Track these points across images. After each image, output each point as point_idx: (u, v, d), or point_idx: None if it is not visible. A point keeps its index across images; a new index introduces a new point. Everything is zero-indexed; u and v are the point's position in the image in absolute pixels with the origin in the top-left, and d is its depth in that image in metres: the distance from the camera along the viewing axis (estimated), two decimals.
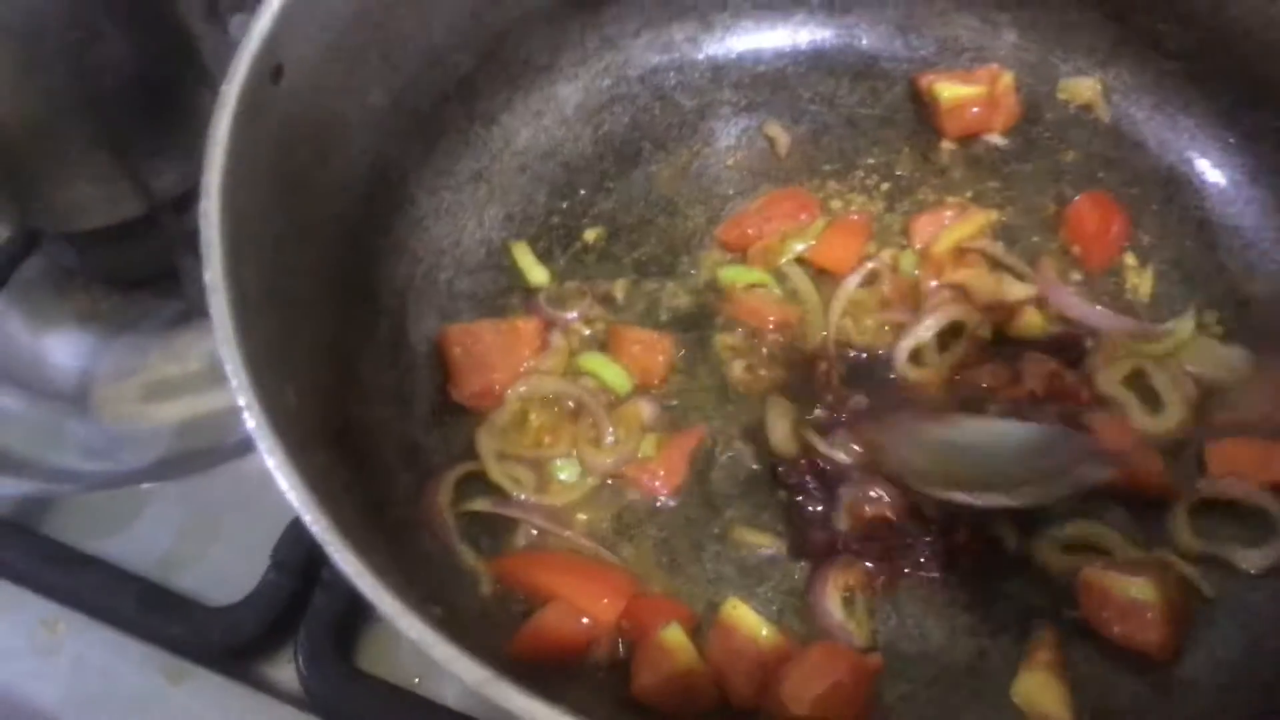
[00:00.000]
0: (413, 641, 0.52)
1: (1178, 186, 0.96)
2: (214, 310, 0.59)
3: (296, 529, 0.85)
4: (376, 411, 0.82)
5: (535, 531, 0.82)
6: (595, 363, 0.89)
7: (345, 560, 0.53)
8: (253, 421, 0.56)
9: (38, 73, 0.85)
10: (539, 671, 0.72)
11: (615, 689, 0.75)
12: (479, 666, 0.50)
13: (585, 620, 0.76)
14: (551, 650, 0.75)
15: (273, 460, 0.55)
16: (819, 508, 0.82)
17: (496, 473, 0.83)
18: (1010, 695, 0.75)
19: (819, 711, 0.70)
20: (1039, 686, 0.73)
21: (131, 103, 0.91)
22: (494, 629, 0.76)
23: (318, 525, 0.54)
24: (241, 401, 0.57)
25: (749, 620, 0.76)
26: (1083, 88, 1.00)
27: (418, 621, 0.52)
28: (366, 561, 0.53)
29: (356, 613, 0.85)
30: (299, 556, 0.85)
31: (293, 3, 0.73)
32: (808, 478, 0.83)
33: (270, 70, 0.71)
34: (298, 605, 0.84)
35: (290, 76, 0.73)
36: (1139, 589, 0.74)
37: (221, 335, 0.58)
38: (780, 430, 0.85)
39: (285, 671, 0.84)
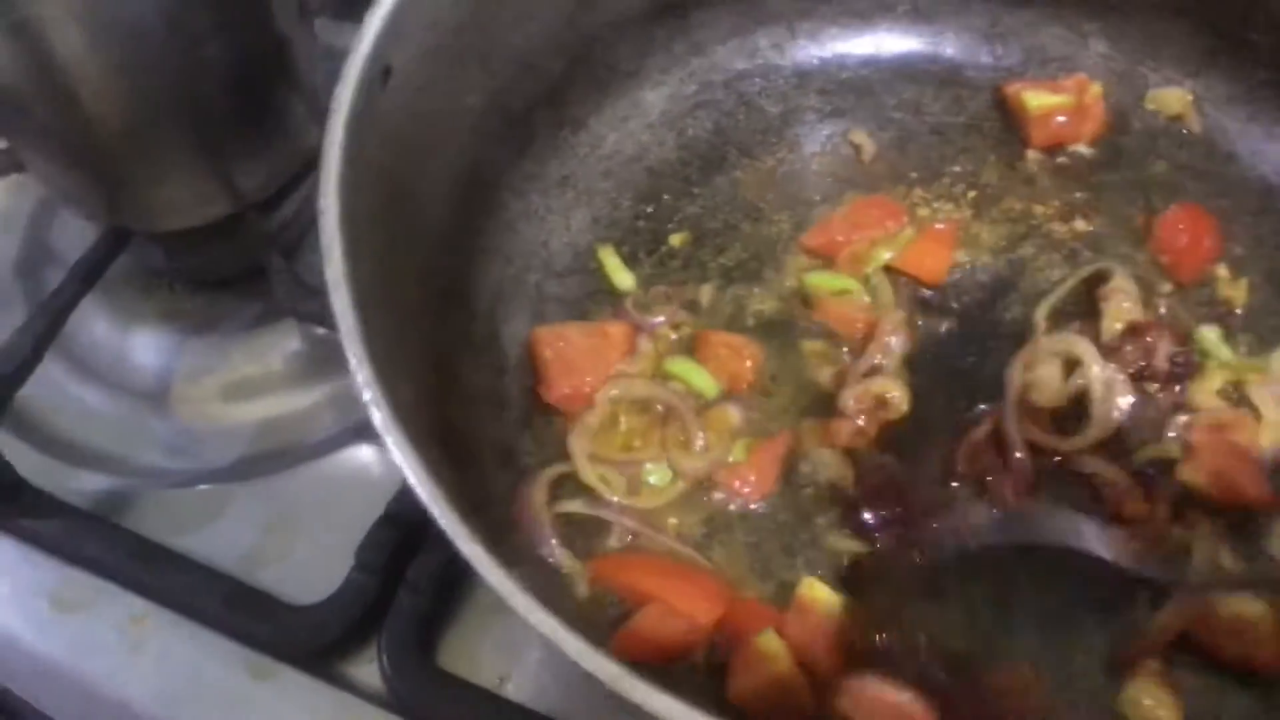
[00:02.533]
0: (544, 637, 0.52)
1: (1272, 198, 0.95)
2: (337, 306, 0.60)
3: (380, 530, 0.86)
4: (473, 412, 0.83)
5: (628, 534, 0.82)
6: (683, 367, 0.89)
7: (476, 556, 0.53)
8: (379, 415, 0.56)
9: (137, 75, 0.86)
10: (637, 673, 0.72)
11: (712, 692, 0.74)
12: (612, 663, 0.50)
13: (683, 623, 0.76)
14: (650, 652, 0.74)
15: (400, 454, 0.55)
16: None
17: (589, 474, 0.83)
18: (1112, 703, 0.74)
19: None
20: (1148, 696, 0.72)
21: (224, 105, 0.92)
22: (589, 630, 0.75)
23: (446, 520, 0.54)
24: (367, 396, 0.57)
25: (824, 596, 0.76)
26: (1172, 98, 0.99)
27: (548, 617, 0.52)
28: (486, 547, 0.53)
29: (440, 613, 0.85)
30: (383, 557, 0.85)
31: (401, 7, 0.74)
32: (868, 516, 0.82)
33: (379, 73, 0.72)
34: (381, 605, 0.84)
35: (396, 79, 0.74)
36: (1246, 606, 0.73)
37: (346, 330, 0.59)
38: (825, 459, 0.85)
39: (368, 671, 0.84)
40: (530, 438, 0.86)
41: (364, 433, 0.97)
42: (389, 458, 0.90)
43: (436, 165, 0.84)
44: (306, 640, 0.84)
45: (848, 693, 0.72)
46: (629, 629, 0.75)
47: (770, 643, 0.74)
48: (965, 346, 0.91)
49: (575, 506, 0.82)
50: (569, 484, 0.84)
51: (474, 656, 0.84)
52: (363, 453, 0.96)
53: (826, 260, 0.95)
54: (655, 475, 0.85)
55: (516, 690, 0.82)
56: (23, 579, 0.90)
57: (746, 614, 0.77)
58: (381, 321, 0.67)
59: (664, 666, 0.75)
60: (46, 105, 0.87)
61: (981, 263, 0.95)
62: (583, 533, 0.82)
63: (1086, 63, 1.02)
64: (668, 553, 0.81)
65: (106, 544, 0.90)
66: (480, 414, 0.84)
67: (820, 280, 0.93)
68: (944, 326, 0.92)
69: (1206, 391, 0.84)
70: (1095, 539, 0.77)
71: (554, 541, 0.80)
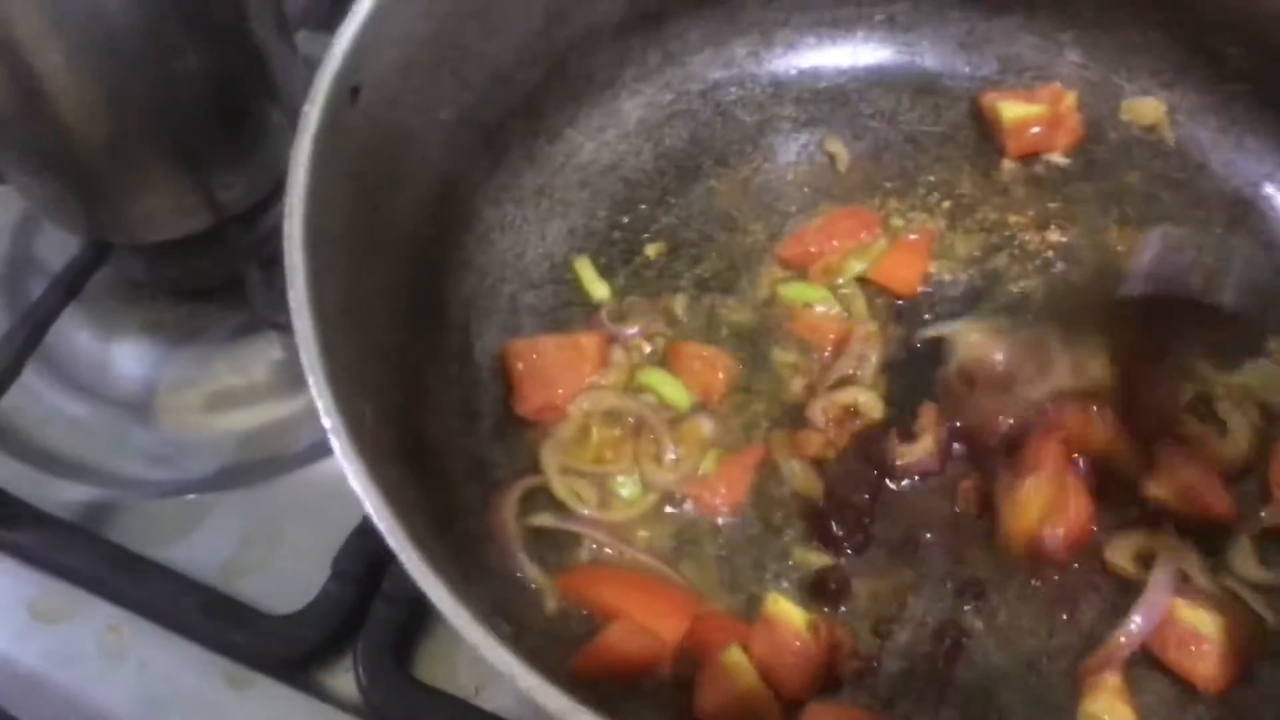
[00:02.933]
0: (495, 668, 0.53)
1: (1243, 209, 0.95)
2: (299, 331, 0.61)
3: (357, 539, 0.87)
4: (444, 426, 0.83)
5: (598, 547, 0.83)
6: (655, 378, 0.89)
7: (421, 575, 0.54)
8: (337, 443, 0.57)
9: (116, 90, 0.86)
10: (604, 688, 0.73)
11: (679, 707, 0.75)
12: (562, 695, 0.51)
13: (650, 639, 0.76)
14: (617, 668, 0.75)
15: (356, 482, 0.56)
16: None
17: (560, 487, 0.84)
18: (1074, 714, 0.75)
19: None
20: (1107, 712, 0.73)
21: (204, 117, 0.93)
22: (559, 645, 0.76)
23: (397, 544, 0.54)
24: (328, 424, 0.58)
25: (790, 614, 0.77)
26: (1147, 108, 1.00)
27: (502, 650, 0.52)
28: (441, 576, 0.54)
29: (416, 623, 0.85)
30: (359, 566, 0.86)
31: (371, 23, 0.74)
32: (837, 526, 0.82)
33: (349, 90, 0.73)
34: (358, 615, 0.84)
35: (367, 95, 0.75)
36: (1201, 620, 0.74)
37: (307, 357, 0.59)
38: (795, 471, 0.85)
39: (344, 680, 0.84)
40: (502, 450, 0.87)
41: None
42: None
43: (409, 179, 0.84)
44: (283, 650, 0.85)
45: (812, 714, 0.73)
46: (594, 646, 0.76)
47: (735, 658, 0.75)
48: (938, 357, 0.91)
49: (546, 520, 0.83)
50: (541, 496, 0.85)
51: (449, 666, 0.84)
52: (341, 464, 0.97)
53: (800, 271, 0.95)
54: (626, 488, 0.85)
55: (490, 700, 0.82)
56: (2, 589, 0.90)
57: (714, 628, 0.77)
58: (349, 340, 0.67)
59: (631, 682, 0.76)
60: (26, 120, 0.88)
61: (955, 273, 0.95)
62: (554, 546, 0.83)
63: (1062, 72, 1.02)
64: (637, 566, 0.82)
65: (86, 554, 0.90)
66: (452, 426, 0.84)
67: (793, 291, 0.94)
68: (916, 337, 0.92)
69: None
70: None
71: (523, 556, 0.80)
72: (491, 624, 0.55)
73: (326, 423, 0.57)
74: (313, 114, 0.70)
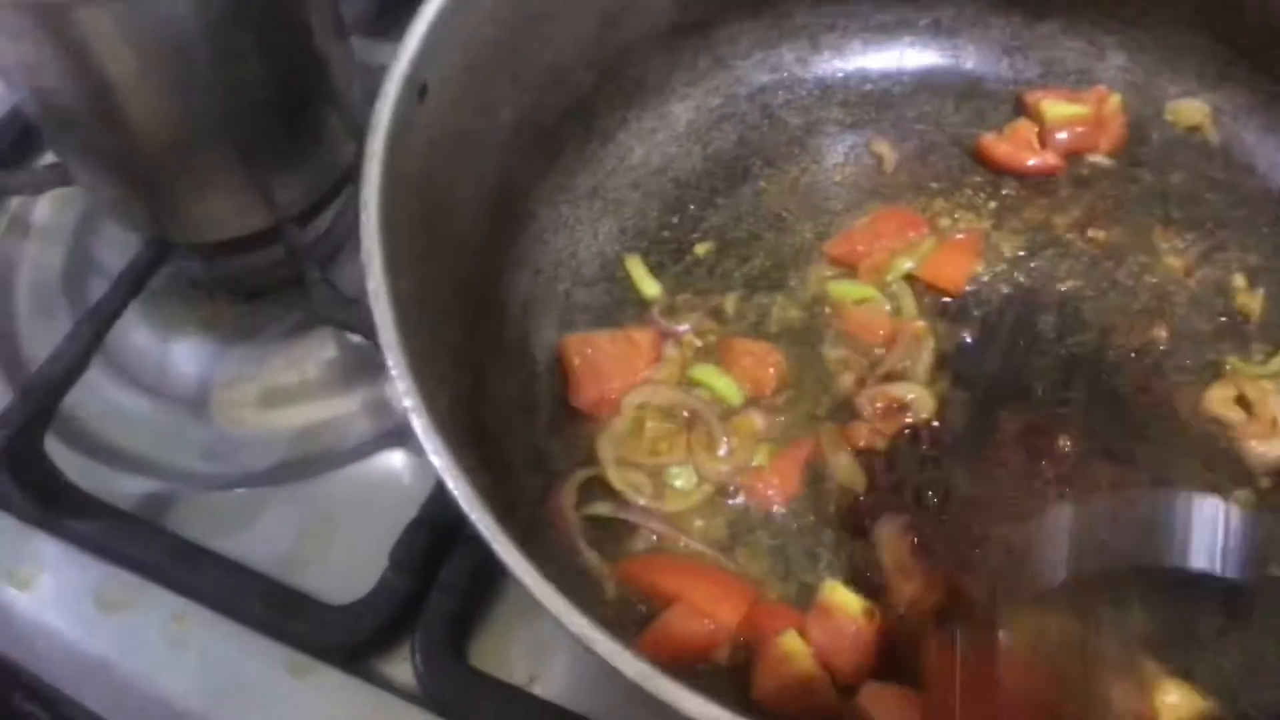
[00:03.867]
0: (575, 637, 0.54)
1: None
2: (378, 317, 0.62)
3: (414, 532, 0.88)
4: (504, 418, 0.85)
5: (655, 536, 0.84)
6: (707, 373, 0.91)
7: (511, 558, 0.55)
8: (419, 422, 0.58)
9: (183, 94, 0.88)
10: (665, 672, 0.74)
11: (736, 691, 0.76)
12: (641, 662, 0.52)
13: (708, 623, 0.78)
14: (675, 651, 0.76)
15: (439, 460, 0.58)
16: None
17: (616, 478, 0.86)
18: None
19: None
20: None
21: (266, 120, 0.95)
22: (618, 631, 0.77)
23: (482, 524, 0.56)
24: (408, 404, 0.59)
25: (847, 600, 0.78)
26: (1191, 110, 1.01)
27: (580, 617, 0.54)
28: (531, 560, 0.55)
29: (472, 613, 0.87)
30: (416, 558, 0.87)
31: (437, 25, 0.76)
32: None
33: (417, 90, 0.75)
34: (415, 605, 0.86)
35: (432, 96, 0.77)
36: None
37: (386, 339, 0.61)
38: (841, 463, 0.86)
39: (402, 668, 0.86)
40: (560, 442, 0.88)
41: (397, 438, 0.99)
42: (420, 462, 0.95)
43: (469, 178, 0.86)
44: (342, 638, 0.86)
45: (869, 695, 0.74)
46: (655, 628, 0.77)
47: (793, 643, 0.76)
48: (985, 354, 0.92)
49: (603, 509, 0.84)
50: (597, 487, 0.86)
51: (505, 655, 0.86)
52: (396, 458, 0.99)
53: (848, 269, 0.97)
54: (680, 479, 0.87)
55: (546, 689, 0.84)
56: (68, 579, 0.92)
57: (770, 615, 0.79)
58: (418, 330, 0.69)
59: (688, 666, 0.77)
60: (97, 122, 0.90)
61: (1001, 272, 0.96)
62: (611, 535, 0.84)
63: (1105, 75, 1.03)
64: (693, 555, 0.83)
65: (148, 545, 0.92)
66: (511, 419, 0.86)
67: (842, 289, 0.95)
68: (964, 334, 0.93)
69: (1221, 399, 0.86)
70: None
71: (582, 543, 0.82)
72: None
73: (407, 402, 0.59)
74: (384, 111, 0.72)
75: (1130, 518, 0.72)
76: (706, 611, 0.78)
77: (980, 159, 1.02)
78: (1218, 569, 0.69)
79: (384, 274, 0.63)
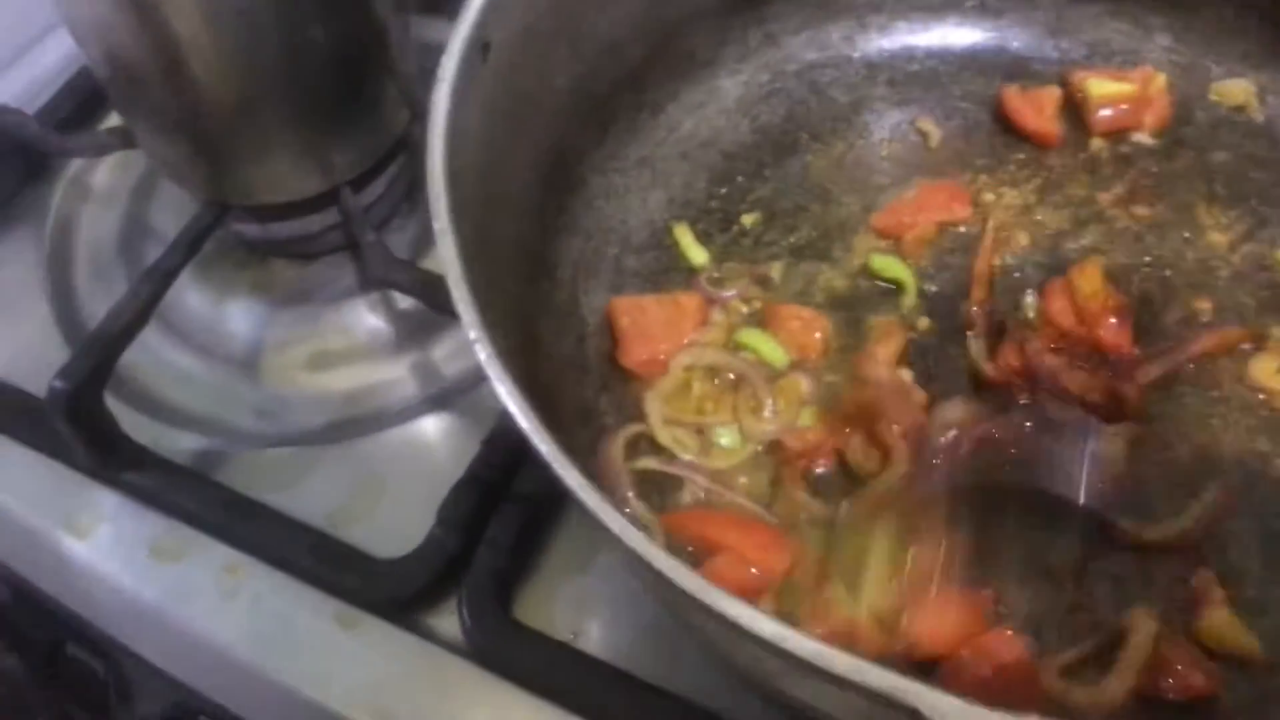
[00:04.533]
0: (631, 552, 0.55)
1: None
2: (443, 252, 0.64)
3: (462, 490, 0.90)
4: (556, 374, 0.86)
5: (701, 492, 0.86)
6: (754, 337, 0.92)
7: (569, 475, 0.57)
8: (483, 352, 0.60)
9: (248, 57, 0.91)
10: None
11: None
12: (696, 576, 0.54)
13: (755, 571, 0.79)
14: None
15: (502, 386, 0.59)
16: None
17: (663, 435, 0.87)
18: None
19: None
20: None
21: (326, 86, 0.97)
22: None
23: (542, 442, 0.58)
24: (473, 335, 0.61)
25: None
26: (1236, 90, 1.02)
27: (634, 530, 0.55)
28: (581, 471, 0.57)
29: (517, 570, 0.89)
30: (463, 515, 0.89)
31: None
32: None
33: (480, 47, 0.77)
34: (462, 560, 0.88)
35: (495, 55, 0.79)
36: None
37: (453, 276, 0.63)
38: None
39: (449, 622, 0.88)
40: (609, 399, 0.90)
41: (442, 402, 1.01)
42: (465, 424, 0.97)
43: (525, 140, 0.88)
44: (391, 591, 0.88)
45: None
46: (704, 570, 0.79)
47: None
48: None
49: (651, 464, 0.86)
50: (644, 443, 0.88)
51: (549, 611, 0.87)
52: (442, 421, 1.01)
53: (894, 241, 0.98)
54: (726, 438, 0.88)
55: (587, 644, 0.85)
56: (125, 529, 0.95)
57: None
58: (478, 276, 0.71)
59: None
60: (163, 84, 0.92)
61: (1045, 245, 0.97)
62: (658, 489, 0.86)
63: (1151, 56, 1.04)
64: (737, 509, 0.84)
65: (202, 497, 0.94)
66: (562, 375, 0.88)
67: (880, 264, 0.97)
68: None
69: (1265, 369, 0.87)
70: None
71: (631, 494, 0.84)
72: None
73: (471, 334, 0.61)
74: (450, 64, 0.74)
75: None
76: (754, 560, 0.79)
77: (999, 107, 1.04)
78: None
79: (449, 213, 0.65)
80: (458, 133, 0.73)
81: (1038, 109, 1.03)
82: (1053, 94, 1.04)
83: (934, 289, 0.96)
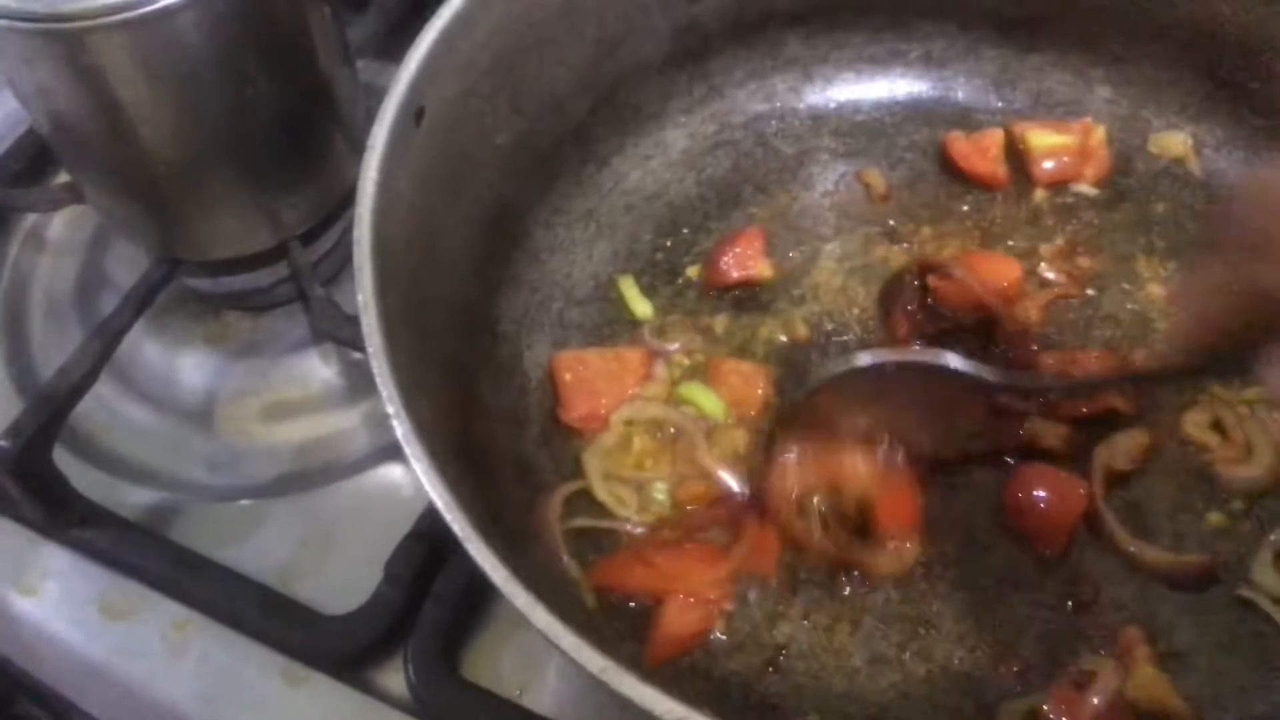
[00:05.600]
0: (540, 632, 0.56)
1: None
2: (366, 327, 0.65)
3: (409, 544, 0.90)
4: (493, 430, 0.87)
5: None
6: (695, 391, 0.93)
7: (482, 555, 0.57)
8: (400, 428, 0.61)
9: (192, 115, 0.91)
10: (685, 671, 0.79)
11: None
12: (600, 656, 0.54)
13: (701, 606, 0.81)
14: (684, 643, 0.80)
15: (419, 465, 0.60)
16: None
17: (602, 491, 0.88)
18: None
19: None
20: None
21: (272, 141, 0.98)
22: (601, 640, 0.79)
23: (457, 524, 0.58)
24: (390, 409, 0.62)
25: None
26: (1174, 142, 1.03)
27: (544, 612, 0.56)
28: (501, 559, 0.57)
29: (464, 626, 0.89)
30: (411, 570, 0.89)
31: (435, 50, 0.79)
32: None
33: (414, 113, 0.77)
34: (409, 616, 0.88)
35: (430, 119, 0.79)
36: None
37: (373, 349, 0.63)
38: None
39: (395, 679, 0.88)
40: (548, 455, 0.90)
41: (395, 453, 1.00)
42: (416, 475, 0.97)
43: (466, 199, 0.89)
44: (337, 648, 0.88)
45: None
46: (657, 633, 0.80)
47: None
48: None
49: (586, 521, 0.87)
50: (583, 499, 0.88)
51: (495, 667, 0.87)
52: (394, 472, 1.01)
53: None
54: (663, 493, 0.89)
55: (534, 700, 0.85)
56: (74, 586, 0.95)
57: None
58: (408, 343, 0.71)
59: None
60: (108, 144, 0.93)
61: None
62: (595, 548, 0.86)
63: (1092, 107, 1.05)
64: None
65: (152, 554, 0.94)
66: (501, 431, 0.88)
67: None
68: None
69: (1196, 424, 0.87)
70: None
71: (564, 554, 0.84)
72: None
73: (389, 408, 0.61)
74: (380, 134, 0.75)
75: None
76: (696, 591, 0.81)
77: (944, 153, 1.05)
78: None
79: (374, 289, 0.66)
80: (389, 200, 0.74)
81: (982, 152, 1.04)
82: (995, 136, 1.05)
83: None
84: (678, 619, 0.80)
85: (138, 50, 0.85)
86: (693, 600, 0.81)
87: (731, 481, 0.89)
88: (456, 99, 0.83)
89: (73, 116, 0.90)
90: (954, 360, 0.80)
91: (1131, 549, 0.83)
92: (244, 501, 1.00)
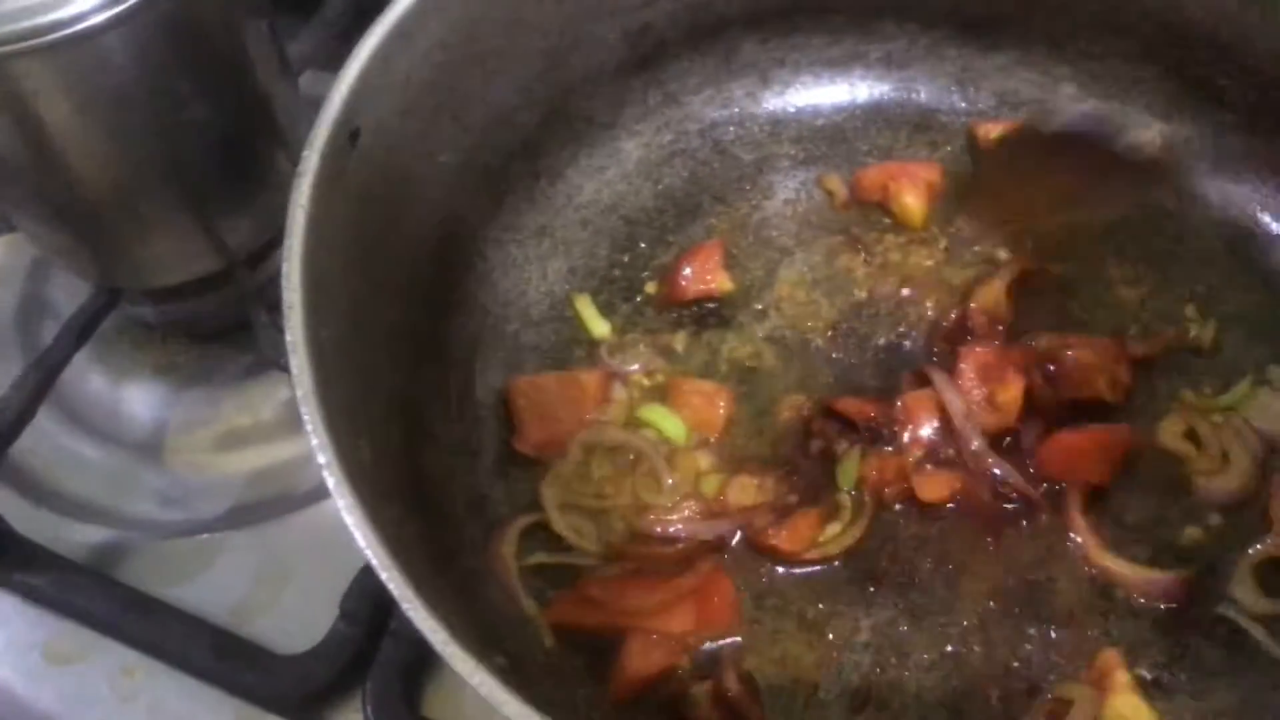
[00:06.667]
0: (483, 696, 0.53)
1: (1241, 239, 0.95)
2: (295, 370, 0.62)
3: (365, 578, 0.87)
4: (446, 463, 0.84)
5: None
6: (655, 414, 0.91)
7: (420, 617, 0.54)
8: (332, 479, 0.58)
9: (123, 141, 0.88)
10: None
11: None
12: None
13: (665, 642, 0.78)
14: (650, 680, 0.77)
15: (350, 518, 0.57)
16: None
17: (560, 524, 0.85)
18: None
19: None
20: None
21: (210, 163, 0.94)
22: (560, 680, 0.77)
23: (393, 583, 0.55)
24: (321, 460, 0.59)
25: None
26: (1142, 141, 1.00)
27: (489, 676, 0.53)
28: (440, 618, 0.54)
29: (423, 662, 0.86)
30: (367, 606, 0.86)
31: (370, 68, 0.76)
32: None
33: (348, 134, 0.74)
34: (366, 654, 0.85)
35: (366, 139, 0.76)
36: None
37: (302, 394, 0.60)
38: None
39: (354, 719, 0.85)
40: (503, 487, 0.88)
41: None
42: None
43: (411, 221, 0.86)
44: (293, 690, 0.86)
45: None
46: (619, 672, 0.78)
47: None
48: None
49: (544, 558, 0.84)
50: (540, 533, 0.85)
51: (457, 706, 0.85)
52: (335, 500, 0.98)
53: None
54: (622, 524, 0.86)
55: None
56: (16, 631, 0.92)
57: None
58: (347, 379, 0.69)
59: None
60: (36, 171, 0.89)
61: (951, 305, 0.95)
62: (554, 582, 0.83)
63: (1058, 105, 1.03)
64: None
65: (98, 596, 0.91)
66: (454, 464, 0.85)
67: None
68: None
69: (1172, 433, 0.85)
70: None
71: (522, 592, 0.81)
72: (486, 657, 0.56)
73: (320, 458, 0.59)
74: (312, 158, 0.71)
75: None
76: (659, 627, 0.79)
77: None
78: None
79: (304, 326, 0.63)
80: (324, 228, 0.71)
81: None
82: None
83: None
84: (639, 658, 0.77)
85: (61, 75, 0.82)
86: (655, 637, 0.78)
87: (691, 515, 0.86)
88: (394, 117, 0.80)
89: (0, 145, 0.87)
90: None
91: (1108, 564, 0.81)
92: (196, 537, 0.97)
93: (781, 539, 0.82)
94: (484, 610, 0.77)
